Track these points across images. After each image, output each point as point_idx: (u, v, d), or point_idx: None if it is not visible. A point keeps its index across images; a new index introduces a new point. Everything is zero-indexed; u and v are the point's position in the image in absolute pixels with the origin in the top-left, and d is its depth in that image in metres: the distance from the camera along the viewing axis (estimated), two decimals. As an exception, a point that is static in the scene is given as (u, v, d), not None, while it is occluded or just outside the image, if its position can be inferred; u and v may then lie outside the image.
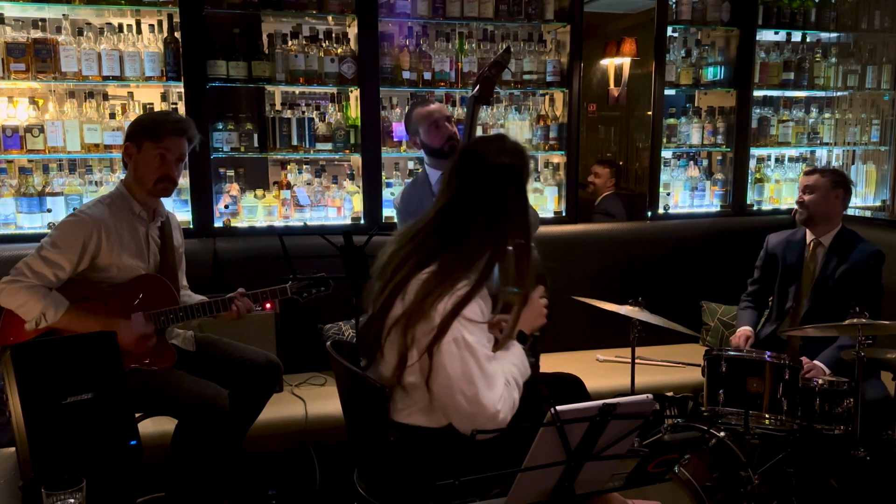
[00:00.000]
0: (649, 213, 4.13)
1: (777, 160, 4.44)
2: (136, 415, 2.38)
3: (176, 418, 2.49)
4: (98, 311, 2.48)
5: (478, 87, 2.78)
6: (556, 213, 3.96)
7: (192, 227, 3.45)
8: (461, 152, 1.96)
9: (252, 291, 2.64)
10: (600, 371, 3.50)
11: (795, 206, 3.28)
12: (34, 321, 2.42)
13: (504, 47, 3.00)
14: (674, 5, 4.05)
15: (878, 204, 4.48)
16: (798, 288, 3.18)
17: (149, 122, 2.60)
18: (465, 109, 2.85)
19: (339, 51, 3.61)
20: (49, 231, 3.03)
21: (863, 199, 4.50)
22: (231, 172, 3.57)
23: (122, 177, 2.67)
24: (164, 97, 3.60)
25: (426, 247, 1.86)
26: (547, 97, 4.06)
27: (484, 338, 1.83)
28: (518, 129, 3.90)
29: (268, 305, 3.19)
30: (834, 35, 4.42)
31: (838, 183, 3.14)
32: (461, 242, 1.84)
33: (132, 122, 2.63)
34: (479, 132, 3.05)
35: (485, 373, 1.79)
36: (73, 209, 3.28)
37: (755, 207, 4.29)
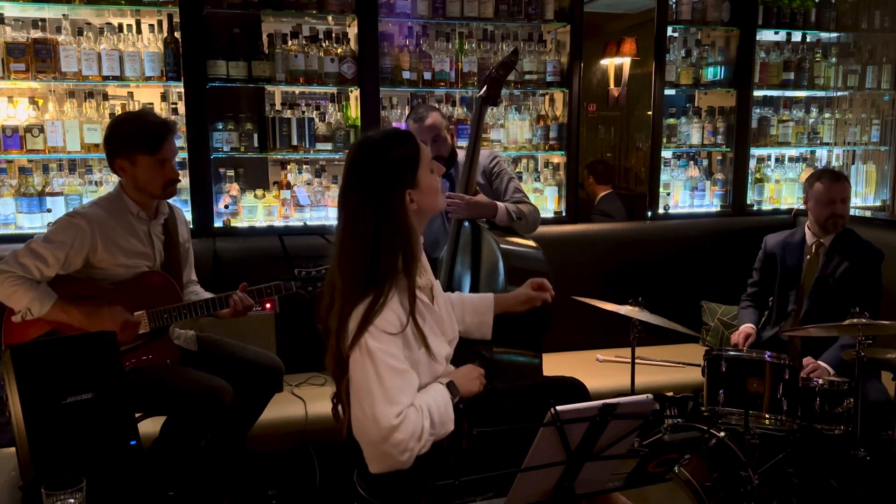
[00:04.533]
0: (649, 213, 4.13)
1: (777, 160, 4.44)
2: (137, 415, 2.38)
3: (177, 411, 2.46)
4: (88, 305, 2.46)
5: (485, 87, 2.77)
6: (556, 213, 3.96)
7: (191, 227, 3.44)
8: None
9: (256, 286, 2.60)
10: (600, 371, 3.50)
11: (805, 212, 3.27)
12: (20, 314, 2.42)
13: (511, 48, 2.98)
14: (674, 5, 4.05)
15: (878, 204, 4.47)
16: (799, 290, 3.18)
17: (134, 133, 2.48)
18: (472, 110, 2.84)
19: (339, 51, 3.60)
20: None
21: (863, 199, 4.50)
22: (231, 172, 3.57)
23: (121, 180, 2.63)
24: (164, 97, 3.60)
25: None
26: (547, 97, 4.06)
27: (394, 348, 1.72)
28: (518, 129, 3.90)
29: (268, 305, 3.19)
30: (834, 35, 4.41)
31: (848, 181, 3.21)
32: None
33: (109, 134, 2.50)
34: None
35: (384, 383, 1.67)
36: (73, 209, 3.28)
37: (755, 207, 4.29)
